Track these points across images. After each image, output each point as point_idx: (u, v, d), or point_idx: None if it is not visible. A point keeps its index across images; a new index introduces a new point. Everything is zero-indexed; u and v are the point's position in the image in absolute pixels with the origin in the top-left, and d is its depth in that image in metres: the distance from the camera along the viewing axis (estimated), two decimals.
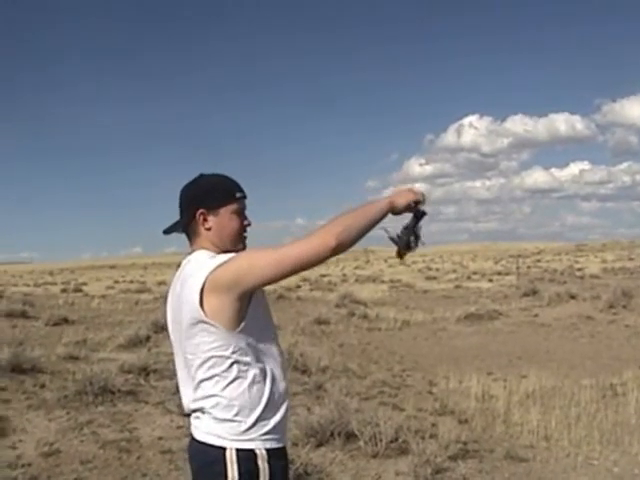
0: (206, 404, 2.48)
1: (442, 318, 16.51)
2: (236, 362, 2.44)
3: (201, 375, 2.49)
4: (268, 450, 2.47)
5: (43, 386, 8.36)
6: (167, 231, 2.72)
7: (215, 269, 2.40)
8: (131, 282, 49.91)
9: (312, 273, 25.01)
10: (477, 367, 9.72)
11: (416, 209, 2.55)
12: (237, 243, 2.64)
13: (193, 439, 2.54)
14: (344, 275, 45.96)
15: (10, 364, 8.75)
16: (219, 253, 2.56)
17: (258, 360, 2.49)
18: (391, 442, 6.04)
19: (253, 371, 2.47)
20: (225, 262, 2.41)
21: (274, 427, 2.51)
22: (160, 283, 43.78)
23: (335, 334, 14.16)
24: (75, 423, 6.95)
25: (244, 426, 2.45)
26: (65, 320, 16.44)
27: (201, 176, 2.69)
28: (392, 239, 2.57)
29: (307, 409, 7.33)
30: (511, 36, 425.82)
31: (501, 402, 7.76)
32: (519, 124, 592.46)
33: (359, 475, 5.67)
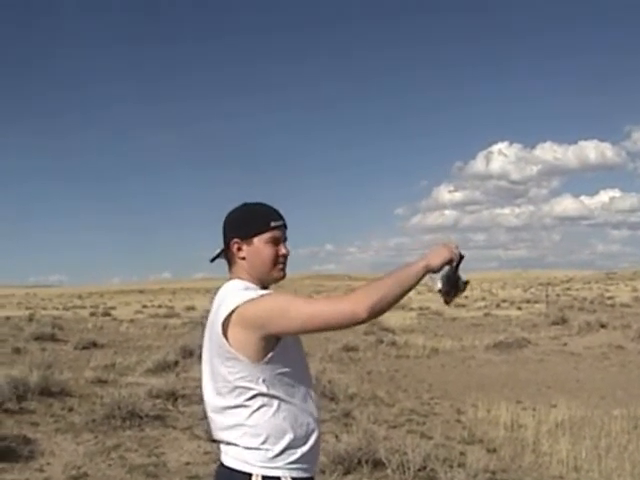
0: (233, 433, 2.50)
1: (471, 346, 16.41)
2: (261, 393, 2.43)
3: (227, 403, 2.51)
4: (294, 479, 2.47)
5: (71, 409, 8.42)
6: (213, 259, 2.72)
7: (246, 302, 2.39)
8: (159, 307, 50.15)
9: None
10: (506, 396, 9.64)
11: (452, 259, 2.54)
12: (271, 272, 2.62)
13: (222, 464, 2.56)
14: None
15: (39, 387, 8.84)
16: (255, 283, 2.57)
17: (286, 391, 2.47)
18: (419, 470, 6.00)
19: (279, 401, 2.46)
20: (257, 299, 2.40)
21: (302, 456, 2.49)
22: (189, 308, 43.92)
23: (363, 361, 14.13)
24: (103, 447, 6.99)
25: (271, 454, 2.44)
26: (94, 344, 16.57)
27: (243, 205, 2.69)
28: (439, 292, 2.56)
29: (335, 436, 7.31)
30: (541, 62, 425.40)
31: (530, 431, 7.69)
32: (549, 151, 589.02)
33: None
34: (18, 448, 6.74)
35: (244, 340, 2.39)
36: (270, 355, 2.41)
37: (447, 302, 2.58)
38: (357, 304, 2.31)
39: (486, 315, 30.21)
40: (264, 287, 2.60)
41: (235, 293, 2.47)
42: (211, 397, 2.57)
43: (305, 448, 2.50)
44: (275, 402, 2.45)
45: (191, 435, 7.43)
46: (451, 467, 6.13)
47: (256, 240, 2.59)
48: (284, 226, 2.66)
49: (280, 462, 2.45)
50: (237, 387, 2.45)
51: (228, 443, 2.52)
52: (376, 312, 2.33)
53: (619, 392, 10.40)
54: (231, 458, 2.50)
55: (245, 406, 2.45)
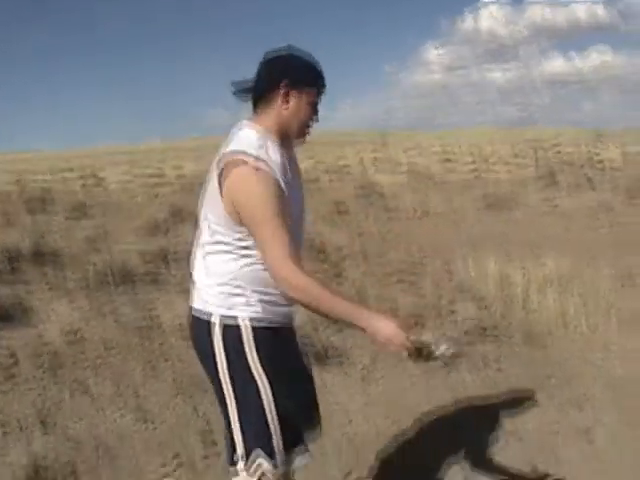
0: (204, 274, 2.48)
1: (461, 207, 16.42)
2: (243, 240, 2.41)
3: (206, 243, 2.48)
4: (253, 320, 2.48)
5: (65, 276, 8.44)
6: (236, 90, 2.57)
7: (242, 177, 2.34)
8: (149, 170, 49.70)
9: (330, 163, 24.75)
10: (496, 254, 9.68)
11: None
12: (300, 134, 2.54)
13: (191, 309, 2.60)
14: (362, 163, 45.56)
15: (32, 253, 8.83)
16: (276, 137, 2.47)
17: None
18: None
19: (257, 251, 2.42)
20: (250, 186, 2.33)
21: (268, 301, 2.49)
22: (179, 171, 43.58)
23: (355, 223, 14.15)
24: (97, 310, 7.05)
25: (242, 299, 2.46)
26: (84, 213, 16.50)
27: (291, 50, 2.53)
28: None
29: None
30: None
31: (520, 288, 7.77)
32: (539, 12, 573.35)
33: (378, 357, 5.74)
34: (15, 313, 6.79)
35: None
36: None
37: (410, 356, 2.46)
38: (293, 280, 2.32)
39: (476, 177, 30.14)
40: (281, 143, 2.49)
41: (247, 148, 2.38)
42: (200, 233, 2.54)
43: (271, 296, 2.48)
44: (255, 252, 2.42)
45: (184, 296, 7.47)
46: (441, 321, 6.24)
47: (305, 93, 2.47)
48: (324, 92, 2.55)
49: (242, 307, 2.46)
50: (217, 231, 2.42)
51: (198, 283, 2.51)
52: (298, 300, 2.36)
53: (608, 251, 10.48)
54: (198, 298, 2.54)
55: (223, 251, 2.44)
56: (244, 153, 2.36)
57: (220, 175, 2.38)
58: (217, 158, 2.46)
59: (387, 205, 16.74)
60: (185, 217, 12.30)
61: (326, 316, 2.47)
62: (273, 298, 2.48)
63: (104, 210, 17.04)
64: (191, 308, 2.60)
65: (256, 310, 2.47)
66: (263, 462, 2.45)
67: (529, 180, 23.81)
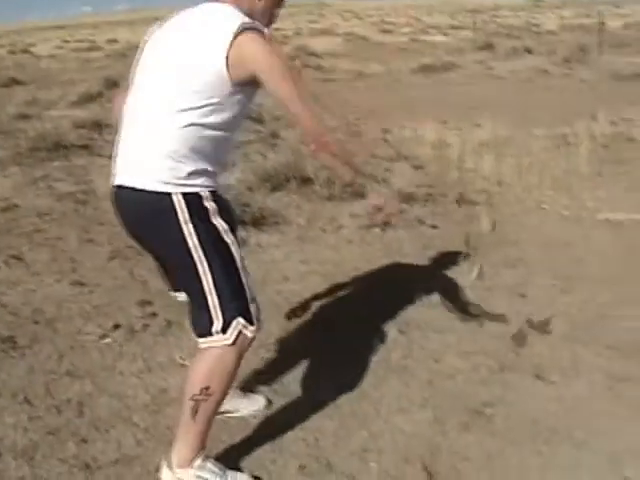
0: (154, 148, 2.36)
1: (397, 70, 16.23)
2: (215, 112, 2.35)
3: (162, 118, 2.36)
4: (209, 186, 2.44)
5: None
6: None
7: (250, 35, 2.31)
8: (81, 42, 47.83)
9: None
10: (432, 116, 9.64)
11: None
12: (268, 22, 2.56)
13: (131, 188, 2.41)
14: (298, 29, 44.61)
15: None
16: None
17: (227, 124, 2.41)
18: (346, 185, 6.05)
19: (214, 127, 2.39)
20: (260, 42, 2.32)
21: (213, 171, 2.46)
22: (111, 41, 41.99)
23: None
24: (30, 178, 6.90)
25: (195, 168, 2.39)
26: (14, 81, 15.87)
27: None
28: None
29: (262, 155, 7.27)
30: None
31: (455, 149, 7.77)
32: None
33: (314, 217, 5.71)
34: None
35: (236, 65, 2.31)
36: (241, 88, 2.36)
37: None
38: (316, 130, 2.46)
39: (413, 40, 29.78)
40: None
41: (235, 22, 2.32)
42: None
43: (216, 168, 2.49)
44: (212, 130, 2.38)
45: None
46: (377, 182, 6.19)
47: None
48: None
49: (197, 176, 2.40)
50: (189, 105, 2.34)
51: (143, 157, 2.38)
52: (320, 147, 2.47)
53: (542, 113, 10.53)
54: (146, 174, 2.37)
55: (185, 125, 2.34)
56: (254, 28, 2.35)
57: (230, 46, 2.30)
58: (212, 32, 2.36)
59: (322, 67, 16.44)
60: (120, 86, 11.93)
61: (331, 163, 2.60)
62: (217, 167, 2.47)
63: (35, 79, 16.42)
64: (128, 187, 2.43)
65: (208, 177, 2.43)
66: (243, 329, 2.45)
67: (466, 45, 23.62)
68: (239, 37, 2.28)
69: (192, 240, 2.38)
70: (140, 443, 2.86)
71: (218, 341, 2.43)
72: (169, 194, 2.35)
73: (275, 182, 6.25)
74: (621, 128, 9.35)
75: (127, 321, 3.97)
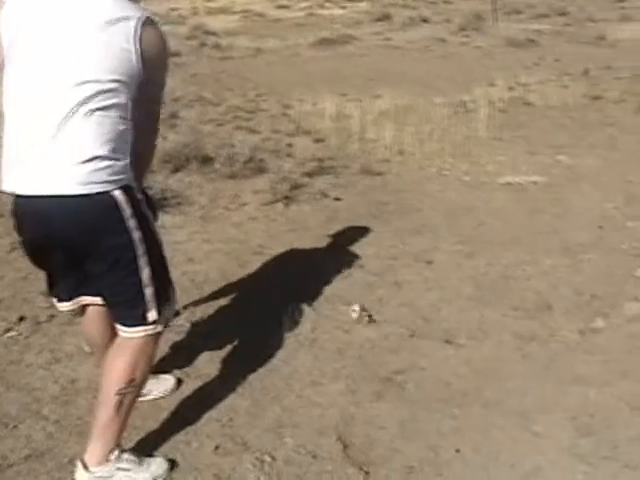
0: (81, 146, 2.19)
1: (295, 45, 16.10)
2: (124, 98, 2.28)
3: (85, 111, 2.20)
4: (132, 180, 2.38)
5: None
6: None
7: (160, 34, 2.37)
8: None
9: (161, 7, 23.61)
10: (331, 90, 9.60)
11: None
12: None
13: (58, 197, 2.19)
14: (194, 8, 43.87)
15: None
16: None
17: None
18: (247, 162, 5.97)
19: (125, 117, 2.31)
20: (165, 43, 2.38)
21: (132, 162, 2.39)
22: None
23: (187, 65, 13.60)
24: None
25: (121, 164, 2.30)
26: None
27: None
28: None
29: (161, 137, 7.09)
30: None
31: (356, 121, 7.75)
32: None
33: (217, 196, 5.61)
34: None
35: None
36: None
37: None
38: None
39: (310, 15, 29.64)
40: None
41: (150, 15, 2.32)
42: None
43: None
44: (124, 119, 2.31)
45: None
46: (279, 157, 6.13)
47: None
48: None
49: (123, 173, 2.32)
50: (112, 95, 2.25)
51: (65, 157, 2.19)
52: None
53: (440, 81, 10.63)
54: (73, 176, 2.18)
55: (99, 113, 2.23)
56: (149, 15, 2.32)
57: (135, 34, 2.24)
58: (112, 18, 2.23)
59: (220, 45, 16.18)
60: None
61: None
62: (134, 156, 2.39)
63: None
64: (52, 196, 2.17)
65: (132, 168, 2.36)
66: (168, 316, 2.52)
67: (363, 18, 23.64)
68: (146, 31, 2.28)
69: (135, 234, 2.31)
70: (51, 436, 2.76)
71: (151, 330, 2.42)
72: (107, 192, 2.22)
73: (176, 163, 6.11)
74: (518, 93, 9.53)
75: (32, 313, 3.81)
